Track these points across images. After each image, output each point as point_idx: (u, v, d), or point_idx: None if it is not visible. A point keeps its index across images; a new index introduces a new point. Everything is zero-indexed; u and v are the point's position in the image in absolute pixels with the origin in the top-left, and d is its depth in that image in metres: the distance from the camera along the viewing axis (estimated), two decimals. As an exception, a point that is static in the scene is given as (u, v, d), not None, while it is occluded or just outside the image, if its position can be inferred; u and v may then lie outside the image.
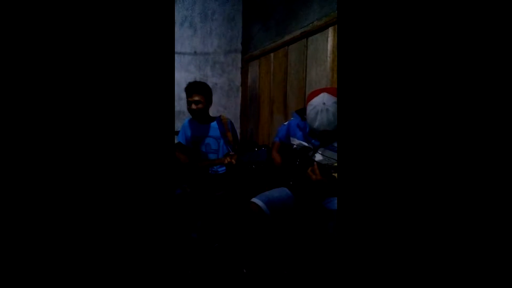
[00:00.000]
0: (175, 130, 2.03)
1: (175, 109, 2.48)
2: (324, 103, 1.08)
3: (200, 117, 1.67)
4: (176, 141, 1.75)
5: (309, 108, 1.13)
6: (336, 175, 1.01)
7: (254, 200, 1.21)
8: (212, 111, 1.80)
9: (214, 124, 1.71)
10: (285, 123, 1.45)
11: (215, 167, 1.69)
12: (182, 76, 2.40)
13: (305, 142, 1.27)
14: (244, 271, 1.22)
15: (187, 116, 1.85)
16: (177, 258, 1.40)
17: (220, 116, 1.76)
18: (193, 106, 1.62)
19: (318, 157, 1.20)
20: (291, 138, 1.36)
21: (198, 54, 2.48)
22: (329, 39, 1.62)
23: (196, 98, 1.61)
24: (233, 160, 1.47)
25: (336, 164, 1.06)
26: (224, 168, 1.68)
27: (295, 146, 1.31)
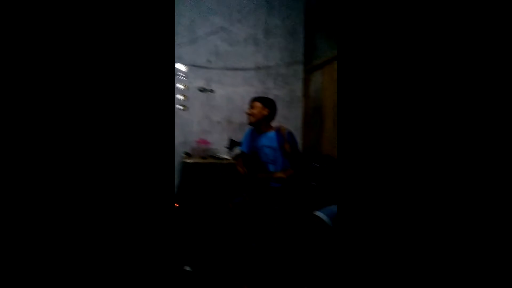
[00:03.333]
0: (238, 141, 2.10)
1: (237, 121, 2.57)
2: None
3: (255, 125, 1.72)
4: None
5: None
6: None
7: (317, 213, 1.19)
8: (273, 122, 1.82)
9: (272, 134, 1.71)
10: None
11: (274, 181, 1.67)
12: (246, 90, 2.49)
13: None
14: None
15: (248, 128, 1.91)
16: (235, 267, 1.39)
17: (279, 126, 1.75)
18: (248, 111, 1.72)
19: None
20: None
21: (261, 68, 2.56)
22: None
23: (253, 104, 1.70)
24: (284, 175, 1.51)
25: None
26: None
27: None
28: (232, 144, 2.25)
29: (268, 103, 1.72)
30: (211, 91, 2.63)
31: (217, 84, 2.65)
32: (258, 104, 1.69)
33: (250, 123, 1.74)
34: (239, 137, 2.32)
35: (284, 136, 1.69)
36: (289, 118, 2.60)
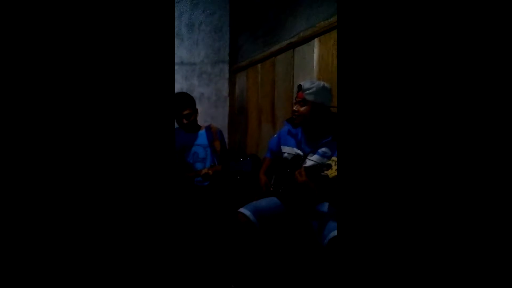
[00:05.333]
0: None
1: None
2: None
3: (190, 128, 1.65)
4: None
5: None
6: (327, 173, 1.02)
7: (241, 210, 1.19)
8: (200, 121, 1.78)
9: (202, 132, 1.69)
10: (275, 135, 1.45)
11: (200, 179, 1.65)
12: (168, 86, 2.36)
13: (297, 149, 1.28)
14: (232, 286, 1.17)
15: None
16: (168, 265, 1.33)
17: (209, 125, 1.75)
18: (185, 121, 1.60)
19: (308, 163, 1.21)
20: (282, 147, 1.36)
21: (185, 64, 2.45)
22: (315, 49, 1.67)
23: (187, 111, 1.59)
24: (210, 171, 1.51)
25: (328, 162, 1.07)
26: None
27: (286, 154, 1.32)
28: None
29: (193, 104, 1.64)
30: (129, 85, 2.40)
31: (136, 78, 2.43)
32: (190, 110, 1.59)
33: (186, 129, 1.65)
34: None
35: (215, 134, 1.69)
36: (215, 117, 2.58)
